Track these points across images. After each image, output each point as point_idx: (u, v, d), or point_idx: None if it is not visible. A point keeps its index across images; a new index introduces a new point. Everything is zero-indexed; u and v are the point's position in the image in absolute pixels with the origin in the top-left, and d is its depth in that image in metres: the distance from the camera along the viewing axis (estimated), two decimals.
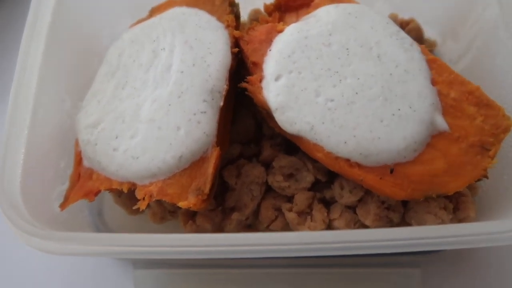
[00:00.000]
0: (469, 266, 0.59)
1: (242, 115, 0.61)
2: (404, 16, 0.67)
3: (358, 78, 0.50)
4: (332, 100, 0.49)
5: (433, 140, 0.48)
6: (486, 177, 0.47)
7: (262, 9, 0.62)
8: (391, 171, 0.47)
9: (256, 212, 0.58)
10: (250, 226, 0.59)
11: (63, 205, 0.53)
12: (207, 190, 0.48)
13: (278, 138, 0.59)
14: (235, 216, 0.56)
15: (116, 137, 0.51)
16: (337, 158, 0.48)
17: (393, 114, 0.48)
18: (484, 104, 0.49)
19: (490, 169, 0.47)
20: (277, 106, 0.50)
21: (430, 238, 0.42)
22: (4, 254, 0.64)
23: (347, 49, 0.51)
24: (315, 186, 0.57)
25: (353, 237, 0.43)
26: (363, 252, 0.42)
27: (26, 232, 0.44)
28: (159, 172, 0.49)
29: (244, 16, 0.67)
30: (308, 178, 0.56)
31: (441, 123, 0.48)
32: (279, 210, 0.57)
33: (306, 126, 0.49)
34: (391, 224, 0.53)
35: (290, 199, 0.57)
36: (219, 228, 0.57)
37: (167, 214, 0.59)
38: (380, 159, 0.47)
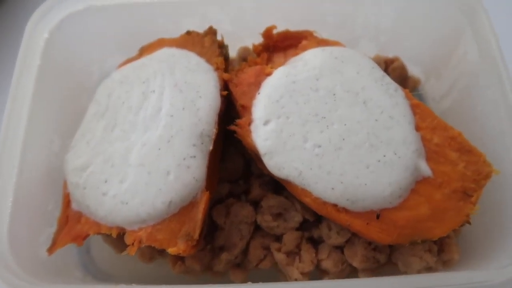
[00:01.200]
0: None
1: (231, 153, 0.62)
2: (389, 54, 0.68)
3: (345, 124, 0.51)
4: (319, 146, 0.50)
5: (417, 185, 0.49)
6: (469, 223, 0.48)
7: (250, 47, 0.64)
8: (378, 217, 0.48)
9: (245, 251, 0.58)
10: (239, 265, 0.59)
11: (50, 250, 0.52)
12: (196, 235, 0.48)
13: (266, 177, 0.60)
14: (224, 256, 0.56)
15: (106, 181, 0.51)
16: (324, 203, 0.49)
17: (379, 161, 0.49)
18: (466, 150, 0.50)
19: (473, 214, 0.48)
20: (266, 151, 0.51)
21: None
22: None
23: (334, 94, 0.53)
24: (303, 225, 0.58)
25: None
26: None
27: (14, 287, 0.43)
28: (149, 218, 0.49)
29: (233, 53, 0.68)
30: (296, 218, 0.56)
31: (425, 169, 0.49)
32: (267, 249, 0.58)
33: (294, 171, 0.49)
34: (377, 264, 0.54)
35: (278, 238, 0.58)
36: (208, 268, 0.58)
37: (156, 254, 0.59)
38: (366, 205, 0.48)
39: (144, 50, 0.62)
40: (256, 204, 0.59)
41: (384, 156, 0.49)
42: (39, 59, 0.57)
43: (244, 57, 0.68)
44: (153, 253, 0.58)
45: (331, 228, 0.55)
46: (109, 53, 0.67)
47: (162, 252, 0.59)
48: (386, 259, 0.54)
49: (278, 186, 0.60)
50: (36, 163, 0.55)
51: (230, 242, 0.57)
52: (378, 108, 0.52)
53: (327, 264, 0.55)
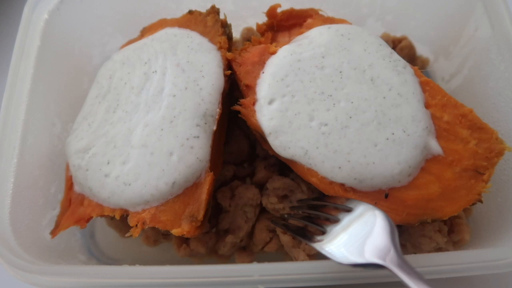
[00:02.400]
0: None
1: (235, 136, 0.61)
2: (396, 33, 0.67)
3: (352, 102, 0.49)
4: (326, 125, 0.49)
5: (427, 164, 0.48)
6: (481, 201, 0.47)
7: (254, 27, 0.62)
8: (386, 196, 0.47)
9: (251, 234, 0.58)
10: (245, 248, 0.58)
11: (54, 232, 0.52)
12: (201, 216, 0.47)
13: (272, 158, 0.59)
14: (229, 239, 0.55)
15: (108, 163, 0.50)
16: (331, 183, 0.48)
17: (387, 139, 0.48)
18: (477, 128, 0.49)
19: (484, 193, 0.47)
20: (271, 131, 0.49)
21: (427, 266, 0.42)
22: None
23: (341, 72, 0.51)
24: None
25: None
26: (357, 282, 0.42)
27: (16, 267, 0.43)
28: (152, 199, 0.48)
29: (236, 34, 0.67)
30: None
31: (435, 147, 0.48)
32: (273, 231, 0.57)
33: (300, 151, 0.48)
34: None
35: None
36: (212, 251, 0.57)
37: (160, 237, 0.58)
38: (374, 184, 0.47)
39: (146, 31, 0.61)
40: (261, 187, 0.58)
41: (393, 134, 0.48)
42: (38, 40, 0.56)
43: (248, 38, 0.66)
44: (157, 236, 0.58)
45: None
46: (110, 35, 0.66)
47: (166, 236, 0.58)
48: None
49: (284, 168, 0.59)
50: (38, 146, 0.54)
51: (235, 225, 0.56)
52: (386, 85, 0.50)
53: None
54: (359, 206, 0.45)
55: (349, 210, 0.45)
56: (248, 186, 0.58)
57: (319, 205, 0.50)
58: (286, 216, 0.53)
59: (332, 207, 0.47)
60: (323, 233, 0.45)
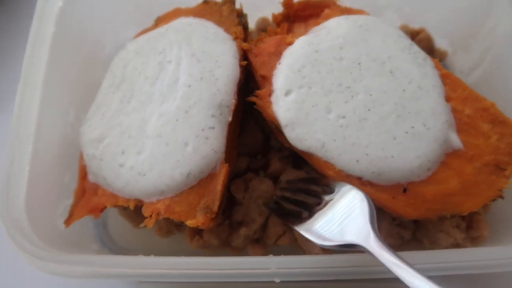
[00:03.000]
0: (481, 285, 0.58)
1: (250, 127, 0.60)
2: (414, 25, 0.65)
3: (371, 94, 0.48)
4: (343, 117, 0.48)
5: (447, 158, 0.47)
6: (502, 197, 0.46)
7: (270, 17, 0.61)
8: (404, 190, 0.46)
9: (264, 226, 0.57)
10: (258, 240, 0.58)
11: (68, 222, 0.52)
12: (215, 208, 0.47)
13: (286, 151, 0.58)
14: (243, 231, 0.55)
15: (122, 153, 0.50)
16: (348, 176, 0.47)
17: (407, 132, 0.47)
18: (499, 122, 0.48)
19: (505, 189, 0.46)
20: (287, 122, 0.49)
21: (444, 263, 0.41)
22: (6, 272, 0.62)
23: (359, 63, 0.50)
24: None
25: (365, 262, 0.42)
26: (373, 277, 0.42)
27: (30, 255, 0.43)
28: (167, 190, 0.48)
29: (252, 25, 0.66)
30: None
31: (456, 141, 0.47)
32: (287, 225, 0.56)
33: (317, 143, 0.48)
34: (402, 241, 0.52)
35: None
36: (225, 243, 0.56)
37: (173, 228, 0.58)
38: (393, 177, 0.46)
39: (160, 21, 0.60)
40: (275, 179, 0.58)
41: (412, 127, 0.47)
42: (53, 27, 0.56)
43: (263, 28, 0.65)
44: (170, 227, 0.57)
45: None
46: (124, 24, 0.65)
47: (179, 227, 0.58)
48: (410, 236, 0.52)
49: (298, 161, 0.58)
50: (52, 135, 0.54)
51: (249, 217, 0.55)
52: (405, 78, 0.49)
53: None
54: (341, 187, 0.46)
55: (331, 192, 0.47)
56: (262, 178, 0.57)
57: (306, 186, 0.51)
58: (274, 198, 0.54)
59: (314, 188, 0.49)
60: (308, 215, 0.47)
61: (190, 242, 0.55)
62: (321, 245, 0.43)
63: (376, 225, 0.42)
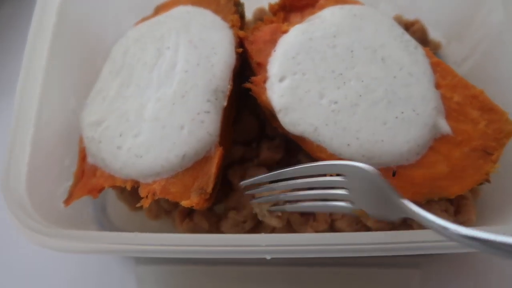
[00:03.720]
0: (469, 267, 0.59)
1: (245, 115, 0.61)
2: (408, 17, 0.66)
3: (362, 81, 0.50)
4: (335, 102, 0.49)
5: (436, 143, 0.48)
6: (488, 181, 0.47)
7: (267, 8, 0.62)
8: (394, 174, 0.47)
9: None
10: (253, 228, 0.59)
11: (67, 202, 0.53)
12: (209, 189, 0.48)
13: (276, 140, 0.59)
14: (231, 214, 0.56)
15: (120, 135, 0.51)
16: (340, 159, 0.48)
17: (396, 117, 0.48)
18: (488, 109, 0.49)
19: (492, 174, 0.47)
20: (281, 107, 0.50)
21: (431, 242, 0.42)
22: (8, 250, 0.64)
23: (352, 51, 0.51)
24: None
25: (355, 239, 0.43)
26: (364, 254, 0.43)
27: (31, 230, 0.44)
28: (163, 171, 0.49)
29: (249, 15, 0.67)
30: None
31: (444, 126, 0.48)
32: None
33: (309, 127, 0.49)
34: (392, 225, 0.53)
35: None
36: (215, 228, 0.58)
37: (162, 213, 0.59)
38: (382, 161, 0.47)
39: (160, 9, 0.62)
40: (271, 168, 0.59)
41: (402, 112, 0.48)
42: (55, 16, 0.57)
43: (260, 18, 0.67)
44: (159, 211, 0.59)
45: None
46: (125, 14, 0.67)
47: (168, 212, 0.60)
48: (401, 220, 0.53)
49: (290, 149, 0.60)
50: (53, 119, 0.56)
51: (241, 204, 0.57)
52: (397, 65, 0.50)
53: (341, 224, 0.54)
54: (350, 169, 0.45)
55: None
56: (260, 167, 0.58)
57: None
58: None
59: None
60: None
61: (180, 225, 0.56)
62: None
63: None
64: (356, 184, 0.45)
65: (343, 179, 0.45)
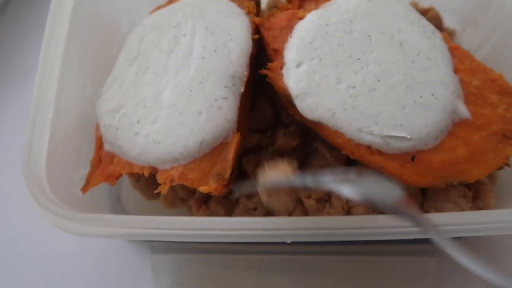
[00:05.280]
0: (485, 254, 0.59)
1: (260, 103, 0.61)
2: (424, 4, 0.66)
3: (380, 65, 0.50)
4: (353, 87, 0.49)
5: (455, 127, 0.48)
6: (508, 165, 0.47)
7: None
8: (412, 159, 0.47)
9: None
10: (265, 216, 0.59)
11: (84, 188, 0.53)
12: (227, 175, 0.48)
13: (292, 127, 0.59)
14: (242, 200, 0.56)
15: (138, 122, 0.52)
16: (358, 145, 0.48)
17: (415, 102, 0.48)
18: (507, 92, 0.48)
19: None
20: (298, 93, 0.50)
21: (449, 225, 0.42)
22: (26, 235, 0.65)
23: (369, 36, 0.51)
24: None
25: (370, 222, 0.43)
26: (379, 238, 0.43)
27: (50, 212, 0.45)
28: (181, 157, 0.49)
29: (263, 4, 0.67)
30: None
31: (463, 111, 0.48)
32: (297, 201, 0.57)
33: (327, 113, 0.49)
34: None
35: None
36: (231, 214, 0.58)
37: (178, 201, 0.60)
38: (402, 146, 0.47)
39: None
40: (284, 156, 0.59)
41: (421, 97, 0.48)
42: (72, 5, 0.58)
43: (275, 6, 0.66)
44: (175, 199, 0.59)
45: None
46: (139, 2, 0.67)
47: (184, 201, 0.60)
48: (418, 207, 0.53)
49: (306, 136, 0.60)
50: (70, 107, 0.56)
51: (253, 191, 0.57)
52: (414, 49, 0.50)
53: (357, 210, 0.54)
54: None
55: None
56: (274, 155, 0.58)
57: None
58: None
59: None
60: None
61: (196, 212, 0.57)
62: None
63: None
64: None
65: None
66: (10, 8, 0.85)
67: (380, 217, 0.45)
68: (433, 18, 0.65)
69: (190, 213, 0.59)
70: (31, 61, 0.57)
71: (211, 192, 0.48)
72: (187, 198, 0.59)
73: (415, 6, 0.65)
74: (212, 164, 0.49)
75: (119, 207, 0.63)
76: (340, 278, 0.61)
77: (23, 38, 0.82)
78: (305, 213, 0.57)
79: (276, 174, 0.45)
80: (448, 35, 0.65)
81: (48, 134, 0.50)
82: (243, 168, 0.58)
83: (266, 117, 0.61)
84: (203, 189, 0.48)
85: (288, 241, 0.43)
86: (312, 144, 0.60)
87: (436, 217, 0.43)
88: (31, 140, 0.49)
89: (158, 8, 0.62)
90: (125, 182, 0.64)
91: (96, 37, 0.64)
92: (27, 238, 0.65)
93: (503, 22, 0.58)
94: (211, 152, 0.50)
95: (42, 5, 0.61)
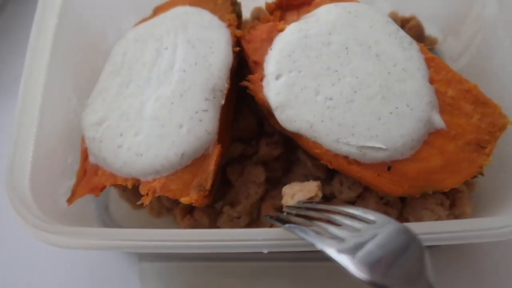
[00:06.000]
0: (465, 258, 0.60)
1: (243, 113, 0.62)
2: (405, 13, 0.67)
3: (357, 77, 0.50)
4: (331, 99, 0.50)
5: (430, 137, 0.49)
6: (482, 174, 0.48)
7: (264, 7, 0.63)
8: (389, 168, 0.48)
9: (258, 214, 0.59)
10: (249, 224, 0.59)
11: (70, 200, 0.54)
12: (208, 186, 0.49)
13: (275, 136, 0.60)
14: (225, 209, 0.57)
15: (121, 135, 0.53)
16: (335, 155, 0.49)
17: (391, 113, 0.49)
18: (481, 103, 0.49)
19: (486, 167, 0.48)
20: (277, 105, 0.51)
21: (427, 234, 0.43)
22: (12, 247, 0.66)
23: (347, 48, 0.52)
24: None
25: None
26: None
27: (35, 227, 0.45)
28: (162, 169, 0.50)
29: (247, 14, 0.68)
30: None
31: (438, 121, 0.49)
32: (279, 210, 0.58)
33: (305, 124, 0.50)
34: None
35: None
36: (214, 224, 0.59)
37: (163, 210, 0.60)
38: (378, 156, 0.48)
39: (158, 10, 0.63)
40: (265, 165, 0.60)
41: (397, 108, 0.49)
42: (56, 18, 0.59)
43: (258, 17, 0.67)
44: (161, 209, 0.60)
45: (343, 183, 0.55)
46: (124, 15, 0.68)
47: (170, 210, 0.60)
48: (397, 214, 0.54)
49: (288, 145, 0.60)
50: (55, 119, 0.57)
51: (236, 199, 0.58)
52: (391, 61, 0.51)
53: None
54: (382, 219, 0.38)
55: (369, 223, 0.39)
56: (256, 164, 0.59)
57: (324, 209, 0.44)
58: (286, 213, 0.47)
59: (346, 213, 0.41)
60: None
61: (181, 221, 0.57)
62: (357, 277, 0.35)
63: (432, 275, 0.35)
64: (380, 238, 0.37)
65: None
66: None
67: None
68: (415, 27, 0.65)
69: (176, 222, 0.60)
70: (16, 73, 0.58)
71: (192, 203, 0.49)
72: (172, 208, 0.60)
73: (395, 15, 0.66)
74: (194, 176, 0.50)
75: (107, 217, 0.64)
76: (331, 282, 0.62)
77: (7, 49, 0.83)
78: None
79: (302, 195, 0.47)
80: (430, 43, 0.67)
81: (32, 148, 0.51)
82: (228, 178, 0.59)
83: (250, 127, 0.62)
84: (184, 200, 0.49)
85: (265, 251, 0.44)
86: (295, 152, 0.61)
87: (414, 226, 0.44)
88: (14, 154, 0.50)
89: (143, 20, 0.63)
90: (113, 191, 0.65)
91: (82, 48, 0.65)
92: (14, 248, 0.66)
93: (481, 31, 0.59)
94: (192, 163, 0.51)
95: (27, 16, 0.61)
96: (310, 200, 0.48)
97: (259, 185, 0.58)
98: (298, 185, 0.50)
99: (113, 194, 0.65)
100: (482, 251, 0.59)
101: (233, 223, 0.57)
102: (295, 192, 0.49)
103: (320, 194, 0.48)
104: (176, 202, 0.60)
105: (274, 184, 0.61)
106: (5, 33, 0.84)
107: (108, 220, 0.64)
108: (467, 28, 0.63)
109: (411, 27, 0.66)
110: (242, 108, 0.62)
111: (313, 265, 0.62)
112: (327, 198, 0.57)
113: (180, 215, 0.58)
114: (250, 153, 0.62)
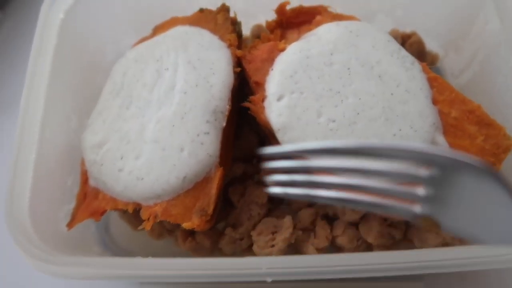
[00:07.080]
0: (473, 279, 0.59)
1: (245, 131, 0.62)
2: (406, 29, 0.67)
3: (360, 98, 0.50)
4: (333, 121, 0.49)
5: None
6: None
7: (264, 24, 0.63)
8: None
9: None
10: (251, 246, 0.58)
11: (70, 225, 0.54)
12: (210, 211, 0.48)
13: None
14: (227, 231, 0.56)
15: (121, 158, 0.52)
16: None
17: (394, 135, 0.48)
18: (485, 124, 0.49)
19: None
20: (280, 127, 0.50)
21: (434, 261, 0.43)
22: (10, 274, 0.65)
23: (349, 68, 0.52)
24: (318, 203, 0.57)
25: (357, 261, 0.43)
26: (367, 275, 0.43)
27: (35, 258, 0.45)
28: (164, 193, 0.50)
29: (247, 31, 0.68)
30: None
31: (442, 142, 0.48)
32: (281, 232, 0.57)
33: None
34: (393, 241, 0.54)
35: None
36: (216, 246, 0.58)
37: (164, 232, 0.60)
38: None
39: (158, 29, 0.62)
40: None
41: (400, 130, 0.48)
42: (55, 38, 0.58)
43: (258, 34, 0.67)
44: (162, 230, 0.59)
45: None
46: (124, 33, 0.68)
47: (171, 232, 0.60)
48: (401, 236, 0.54)
49: None
50: (55, 140, 0.56)
51: (238, 221, 0.57)
52: (394, 81, 0.51)
53: (342, 240, 0.54)
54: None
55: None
56: (258, 184, 0.59)
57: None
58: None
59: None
60: None
61: (183, 244, 0.57)
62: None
63: None
64: (450, 187, 0.31)
65: (428, 174, 0.31)
66: None
67: (367, 254, 0.45)
68: (415, 43, 0.65)
69: (177, 244, 0.59)
70: (16, 92, 0.58)
71: (194, 228, 0.48)
72: (173, 230, 0.60)
73: (396, 33, 0.65)
74: (195, 200, 0.50)
75: (107, 238, 0.63)
76: None
77: (6, 68, 0.82)
78: (287, 245, 0.57)
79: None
80: (431, 59, 0.66)
81: (31, 173, 0.50)
82: (229, 198, 0.59)
83: (251, 145, 0.61)
84: (186, 225, 0.48)
85: (269, 280, 0.44)
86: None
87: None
88: (13, 180, 0.50)
89: (142, 40, 0.62)
90: (113, 213, 0.64)
91: (81, 67, 0.65)
92: (10, 273, 0.65)
93: (483, 48, 0.58)
94: (194, 187, 0.50)
95: (27, 36, 0.61)
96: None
97: (261, 206, 0.57)
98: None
99: (113, 215, 0.64)
100: (487, 274, 0.59)
101: (235, 245, 0.57)
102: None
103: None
104: (178, 224, 0.59)
105: (276, 203, 0.60)
106: (4, 52, 0.83)
107: (109, 241, 0.63)
108: (469, 44, 0.62)
109: (412, 43, 0.65)
110: (243, 126, 0.62)
111: (313, 286, 0.61)
112: (331, 219, 0.57)
113: (181, 237, 0.57)
114: (252, 172, 0.61)
